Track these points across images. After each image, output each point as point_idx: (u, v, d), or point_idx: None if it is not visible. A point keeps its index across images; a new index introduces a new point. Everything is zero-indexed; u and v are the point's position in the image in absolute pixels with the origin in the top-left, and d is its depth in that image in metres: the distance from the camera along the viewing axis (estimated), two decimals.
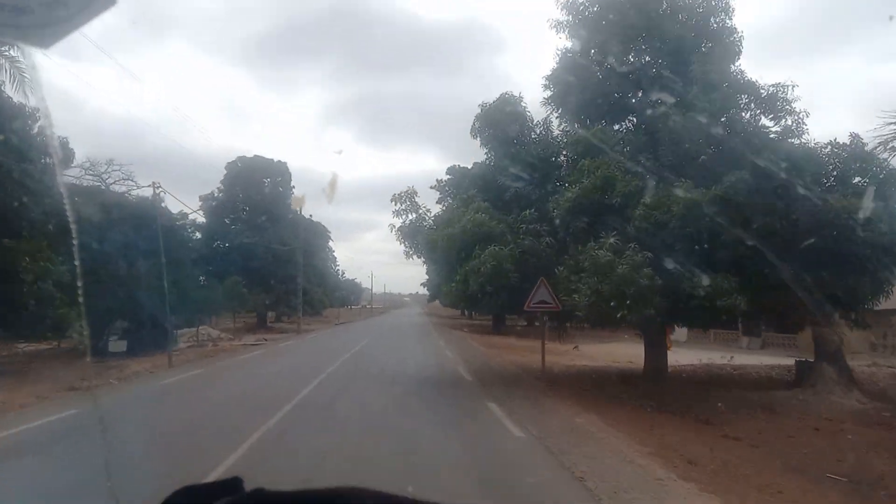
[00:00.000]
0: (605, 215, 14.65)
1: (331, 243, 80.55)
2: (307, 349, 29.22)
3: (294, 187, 57.07)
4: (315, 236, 68.74)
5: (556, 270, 14.41)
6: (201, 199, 52.59)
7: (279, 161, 55.61)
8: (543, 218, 16.04)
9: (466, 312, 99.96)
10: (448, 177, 44.31)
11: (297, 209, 55.40)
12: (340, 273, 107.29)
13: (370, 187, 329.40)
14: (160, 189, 23.08)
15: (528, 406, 12.25)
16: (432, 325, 57.36)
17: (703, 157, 14.03)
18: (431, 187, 45.09)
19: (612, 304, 12.83)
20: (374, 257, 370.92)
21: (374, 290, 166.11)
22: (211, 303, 40.77)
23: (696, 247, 12.99)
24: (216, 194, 53.74)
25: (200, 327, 43.38)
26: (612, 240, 13.53)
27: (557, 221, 15.10)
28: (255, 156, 54.81)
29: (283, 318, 59.61)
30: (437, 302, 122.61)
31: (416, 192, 18.77)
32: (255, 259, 51.35)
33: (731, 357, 25.60)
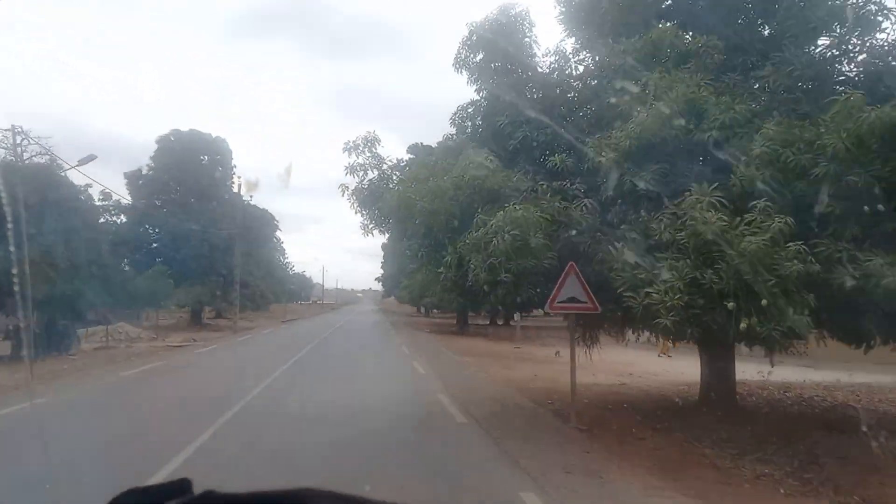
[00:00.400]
0: (688, 160, 9.13)
1: (279, 233, 74.17)
2: (233, 356, 23.13)
3: (235, 167, 50.43)
4: (260, 224, 62.28)
5: (612, 248, 8.74)
6: (126, 176, 45.58)
7: (218, 137, 48.93)
8: (576, 171, 10.44)
9: (423, 310, 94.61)
10: (410, 156, 38.34)
11: (249, 196, 49.20)
12: (289, 266, 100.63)
13: (324, 178, 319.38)
14: (20, 133, 16.38)
15: (594, 495, 6.57)
16: (390, 323, 51.51)
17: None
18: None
19: (728, 304, 7.29)
20: (328, 253, 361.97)
21: (326, 286, 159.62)
22: (131, 295, 34.35)
23: (867, 207, 7.50)
24: (145, 171, 46.69)
25: (120, 324, 36.82)
26: (709, 198, 7.99)
27: (607, 173, 9.45)
28: (191, 130, 47.98)
29: (224, 313, 52.97)
30: (392, 298, 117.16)
31: (378, 139, 12.89)
32: (188, 246, 44.65)
33: (769, 371, 20.46)
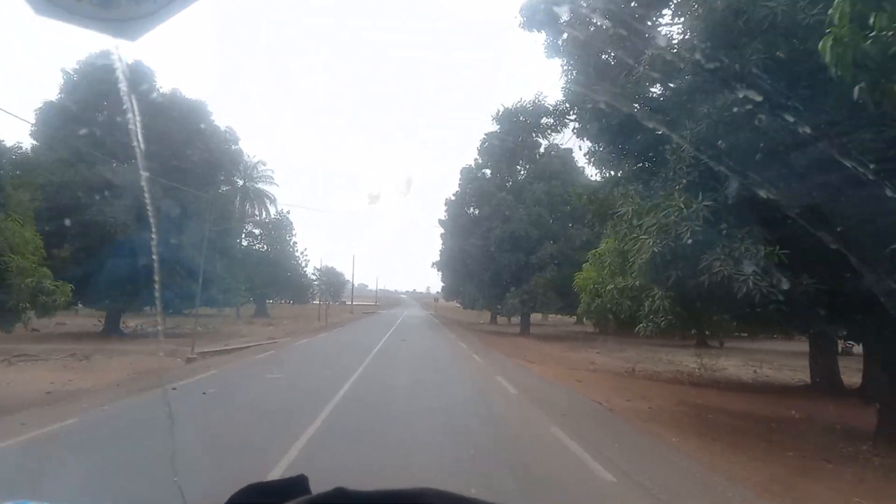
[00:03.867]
0: None
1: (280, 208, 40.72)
2: None
3: None
4: (211, 164, 28.72)
5: None
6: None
7: None
8: None
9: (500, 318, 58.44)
10: None
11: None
12: (299, 251, 65.52)
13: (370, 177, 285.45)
14: None
15: None
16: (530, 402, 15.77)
17: None
18: None
19: None
20: (368, 253, 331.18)
21: (363, 284, 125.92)
22: None
23: None
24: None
25: None
26: None
27: None
28: None
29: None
30: (448, 302, 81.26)
31: None
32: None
33: None
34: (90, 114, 26.75)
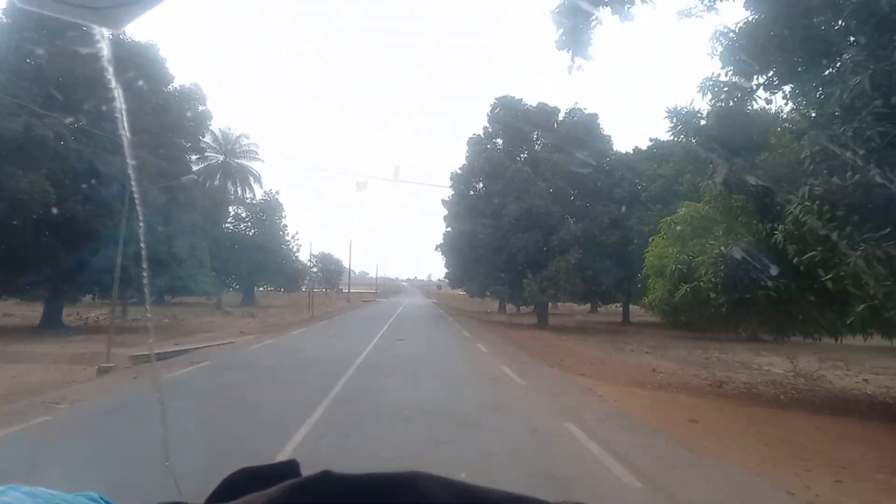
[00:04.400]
0: None
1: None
2: None
3: None
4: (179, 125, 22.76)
5: None
6: None
7: None
8: None
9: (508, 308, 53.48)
10: None
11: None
12: (289, 235, 59.96)
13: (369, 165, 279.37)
14: None
15: None
16: None
17: None
18: None
19: None
20: (368, 242, 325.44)
21: (363, 272, 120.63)
22: None
23: None
24: None
25: None
26: None
27: None
28: None
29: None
30: (453, 290, 76.14)
31: None
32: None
33: None
34: (17, 61, 21.32)
